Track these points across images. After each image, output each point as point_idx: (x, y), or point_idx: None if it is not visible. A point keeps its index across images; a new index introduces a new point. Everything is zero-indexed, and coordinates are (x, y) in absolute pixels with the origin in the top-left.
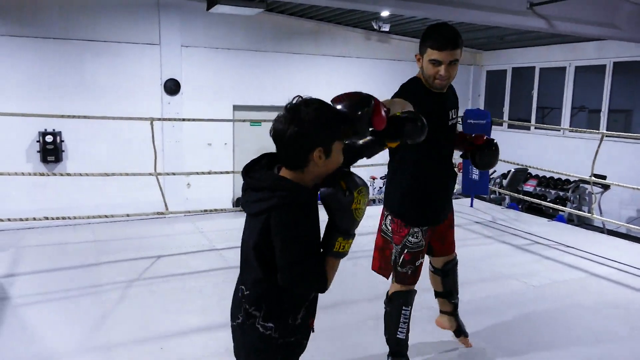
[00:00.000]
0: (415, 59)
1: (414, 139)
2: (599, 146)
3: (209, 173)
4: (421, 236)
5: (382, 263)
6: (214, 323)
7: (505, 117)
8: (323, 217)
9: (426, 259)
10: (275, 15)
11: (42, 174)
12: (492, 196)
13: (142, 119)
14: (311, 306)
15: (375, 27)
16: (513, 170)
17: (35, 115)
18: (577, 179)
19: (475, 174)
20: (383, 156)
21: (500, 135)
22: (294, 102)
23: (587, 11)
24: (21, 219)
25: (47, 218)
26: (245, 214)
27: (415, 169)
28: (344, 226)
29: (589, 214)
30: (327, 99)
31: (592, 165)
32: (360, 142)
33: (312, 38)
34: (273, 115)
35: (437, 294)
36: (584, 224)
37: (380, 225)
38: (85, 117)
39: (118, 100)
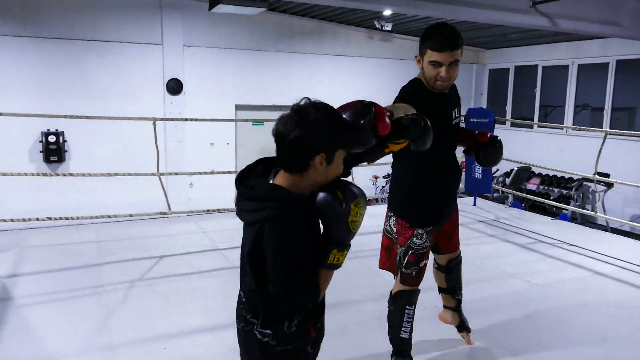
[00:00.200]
0: (415, 60)
1: (420, 143)
2: (602, 144)
3: (212, 173)
4: (425, 237)
5: (390, 262)
6: (217, 323)
7: (508, 115)
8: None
9: (430, 255)
10: (277, 14)
11: (44, 174)
12: (495, 195)
13: (144, 119)
14: (312, 314)
15: (377, 26)
16: (516, 168)
17: (38, 116)
18: (580, 177)
19: (478, 172)
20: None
21: (503, 133)
22: (302, 103)
23: (590, 9)
24: (24, 219)
25: (49, 218)
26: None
27: (418, 169)
28: (339, 238)
29: (593, 212)
30: (329, 98)
31: (595, 163)
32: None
33: (315, 37)
34: (275, 114)
35: (441, 290)
36: (588, 222)
37: (384, 226)
38: (87, 117)
39: (120, 100)
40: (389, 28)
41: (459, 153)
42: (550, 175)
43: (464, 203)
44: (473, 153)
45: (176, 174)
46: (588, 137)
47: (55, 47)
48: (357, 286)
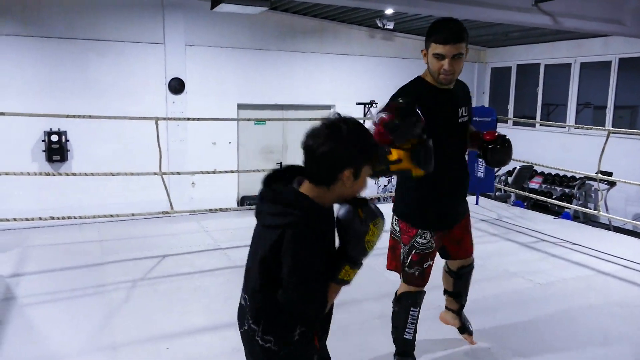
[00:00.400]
0: (421, 55)
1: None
2: (605, 143)
3: (214, 172)
4: (429, 237)
5: (395, 261)
6: (219, 323)
7: (510, 114)
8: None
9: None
10: (279, 13)
11: (47, 174)
12: (497, 194)
13: (146, 119)
14: (317, 326)
15: (379, 24)
16: (518, 167)
17: (40, 115)
18: (582, 175)
19: (480, 171)
20: None
21: (505, 132)
22: (333, 118)
23: (593, 7)
24: (27, 219)
25: (52, 218)
26: (257, 223)
27: None
28: (354, 254)
29: (595, 211)
30: (331, 97)
31: (598, 162)
32: None
33: (316, 36)
34: (277, 114)
35: (446, 292)
36: (590, 221)
37: (390, 226)
38: (89, 116)
39: (122, 100)
40: (391, 27)
41: None
42: (553, 174)
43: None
44: (481, 152)
45: (178, 173)
46: (590, 136)
47: (57, 46)
48: (359, 286)
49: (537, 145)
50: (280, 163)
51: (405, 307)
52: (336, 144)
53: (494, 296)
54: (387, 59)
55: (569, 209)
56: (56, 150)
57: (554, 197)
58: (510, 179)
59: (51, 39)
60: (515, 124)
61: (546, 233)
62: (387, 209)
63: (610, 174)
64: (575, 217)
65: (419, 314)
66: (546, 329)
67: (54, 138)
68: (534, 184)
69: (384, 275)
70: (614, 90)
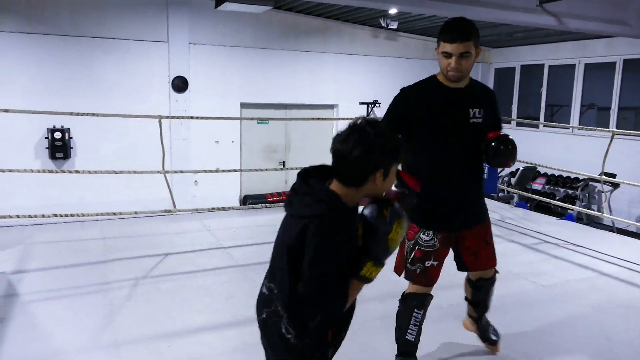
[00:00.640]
0: (424, 55)
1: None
2: (609, 144)
3: (217, 171)
4: (432, 236)
5: (399, 262)
6: (221, 321)
7: (514, 115)
8: None
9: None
10: (283, 12)
11: (50, 171)
12: (500, 195)
13: (150, 117)
14: (337, 321)
15: (383, 24)
16: (521, 168)
17: (43, 113)
18: (586, 177)
19: (484, 172)
20: None
21: (508, 133)
22: (359, 122)
23: (597, 8)
24: (29, 216)
25: (55, 215)
26: (286, 214)
27: (423, 167)
28: (377, 253)
29: (599, 213)
30: (334, 96)
31: (602, 163)
32: None
33: (320, 36)
34: (280, 113)
35: (467, 299)
36: (594, 222)
37: None
38: (93, 114)
39: (126, 98)
40: (395, 27)
41: None
42: (556, 175)
43: None
44: (483, 152)
45: (181, 171)
46: (594, 137)
47: (61, 44)
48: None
49: (540, 146)
50: (283, 162)
51: (410, 307)
52: (367, 148)
53: (497, 297)
54: (391, 59)
55: (572, 210)
56: (59, 147)
57: (557, 198)
58: (513, 180)
59: (56, 37)
60: (518, 124)
61: (549, 234)
62: None
63: (614, 176)
64: (579, 218)
65: (423, 317)
66: (549, 330)
67: (57, 135)
68: (537, 185)
69: (387, 275)
70: (618, 92)
